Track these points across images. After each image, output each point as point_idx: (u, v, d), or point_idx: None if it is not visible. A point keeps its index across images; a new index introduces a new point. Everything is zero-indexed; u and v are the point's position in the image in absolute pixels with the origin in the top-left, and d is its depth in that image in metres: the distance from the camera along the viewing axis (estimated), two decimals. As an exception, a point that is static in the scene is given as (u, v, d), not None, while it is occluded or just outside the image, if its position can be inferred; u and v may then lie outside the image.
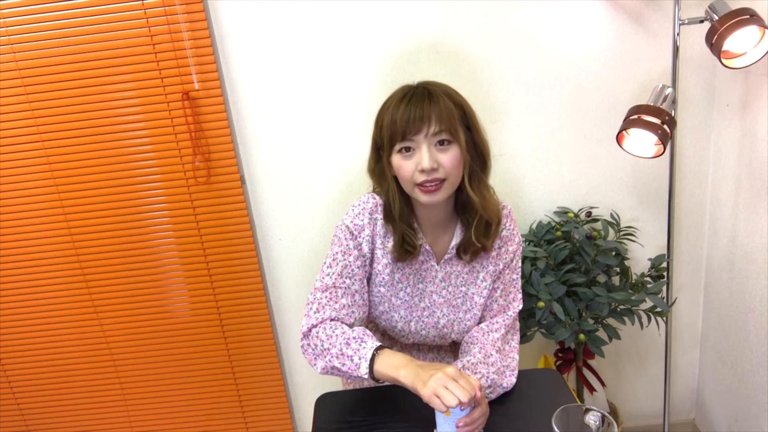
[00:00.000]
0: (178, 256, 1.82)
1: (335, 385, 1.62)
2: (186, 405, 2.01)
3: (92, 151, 1.70)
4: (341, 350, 1.08)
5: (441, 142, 1.08)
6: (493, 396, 1.15)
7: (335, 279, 1.17)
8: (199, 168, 1.71)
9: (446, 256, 1.22)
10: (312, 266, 1.85)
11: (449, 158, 1.08)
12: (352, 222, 1.18)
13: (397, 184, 1.15)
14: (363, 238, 1.18)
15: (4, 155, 1.70)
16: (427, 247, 1.21)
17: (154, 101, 1.65)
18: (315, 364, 1.13)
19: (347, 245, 1.18)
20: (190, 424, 2.04)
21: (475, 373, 1.13)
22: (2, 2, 1.56)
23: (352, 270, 1.18)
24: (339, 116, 1.69)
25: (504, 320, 1.23)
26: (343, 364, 1.07)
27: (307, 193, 1.77)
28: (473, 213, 1.16)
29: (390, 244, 1.19)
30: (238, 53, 1.63)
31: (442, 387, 0.93)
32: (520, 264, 1.26)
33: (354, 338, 1.08)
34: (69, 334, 1.91)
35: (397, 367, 1.01)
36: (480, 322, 1.26)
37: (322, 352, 1.11)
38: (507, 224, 1.22)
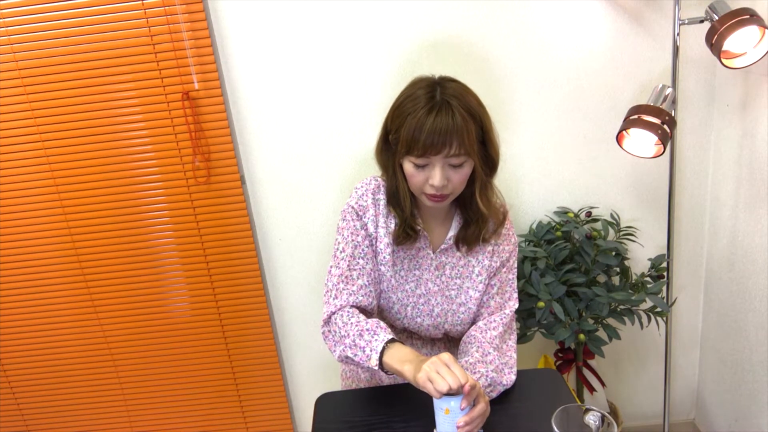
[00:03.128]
0: (178, 256, 1.82)
1: (335, 385, 1.62)
2: (186, 405, 2.01)
3: (92, 151, 1.70)
4: (354, 341, 1.11)
5: (455, 164, 1.10)
6: (493, 394, 1.16)
7: (349, 261, 1.20)
8: (199, 168, 1.71)
9: (442, 246, 1.24)
10: (312, 266, 1.85)
11: (459, 177, 1.12)
12: (356, 203, 1.22)
13: (406, 183, 1.18)
14: (368, 218, 1.22)
15: (4, 155, 1.70)
16: (425, 234, 1.24)
17: (154, 101, 1.65)
18: (334, 351, 1.17)
19: (354, 226, 1.21)
20: (190, 424, 2.04)
21: (474, 372, 1.14)
22: (2, 2, 1.56)
23: (363, 250, 1.21)
24: (339, 116, 1.69)
25: (501, 318, 1.25)
26: (356, 355, 1.11)
27: (307, 193, 1.77)
28: (476, 211, 1.20)
29: (392, 224, 1.23)
30: (238, 53, 1.63)
31: (435, 372, 0.95)
32: (516, 264, 1.29)
33: (367, 330, 1.11)
34: (69, 334, 1.91)
35: (402, 362, 1.03)
36: (476, 321, 1.27)
37: (339, 339, 1.14)
38: (507, 226, 1.27)
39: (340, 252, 1.21)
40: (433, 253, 1.25)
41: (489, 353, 1.18)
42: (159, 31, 1.59)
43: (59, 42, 1.59)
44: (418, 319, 1.26)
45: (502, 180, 1.76)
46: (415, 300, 1.25)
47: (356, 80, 1.66)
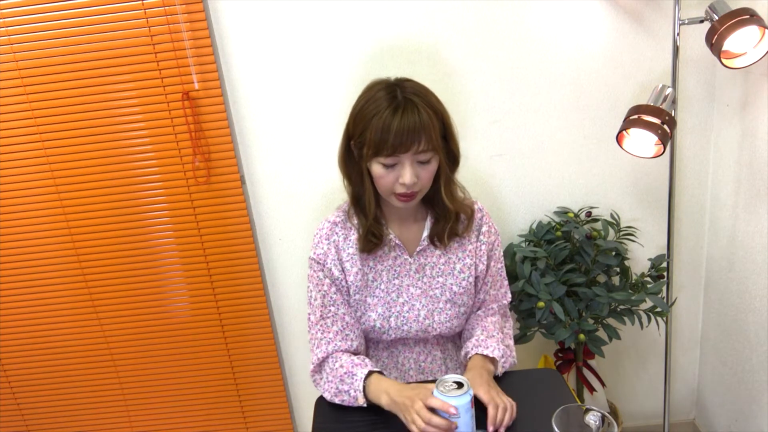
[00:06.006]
0: (178, 256, 1.81)
1: (335, 385, 1.62)
2: (186, 405, 2.01)
3: (92, 151, 1.70)
4: (338, 388, 1.18)
5: (423, 160, 1.13)
6: (506, 366, 1.21)
7: (321, 310, 1.25)
8: (199, 168, 1.71)
9: (419, 248, 1.26)
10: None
11: (428, 173, 1.15)
12: (314, 253, 1.26)
13: (372, 186, 1.19)
14: (330, 263, 1.24)
15: (4, 155, 1.70)
16: (397, 241, 1.25)
17: (154, 101, 1.65)
18: (326, 397, 1.23)
19: (318, 277, 1.25)
20: (190, 424, 2.04)
21: (487, 347, 1.19)
22: (2, 2, 1.56)
23: (331, 297, 1.25)
24: (339, 116, 1.69)
25: (498, 307, 1.32)
26: (343, 401, 1.18)
27: (307, 193, 1.77)
28: (444, 207, 1.23)
29: (352, 247, 1.25)
30: (238, 53, 1.63)
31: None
32: (501, 253, 1.34)
33: (346, 374, 1.17)
34: (69, 334, 1.91)
35: (379, 397, 1.11)
36: (473, 312, 1.34)
37: (328, 388, 1.21)
38: (484, 219, 1.30)
39: (314, 300, 1.27)
40: (411, 257, 1.26)
41: (494, 334, 1.25)
42: (159, 31, 1.58)
43: (59, 42, 1.59)
44: (405, 327, 1.27)
45: (502, 180, 1.76)
46: (399, 309, 1.26)
47: (356, 80, 1.65)
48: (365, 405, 1.13)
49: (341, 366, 1.19)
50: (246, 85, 1.66)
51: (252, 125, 1.70)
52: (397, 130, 1.08)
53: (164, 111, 1.66)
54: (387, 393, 1.09)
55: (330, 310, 1.25)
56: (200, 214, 1.76)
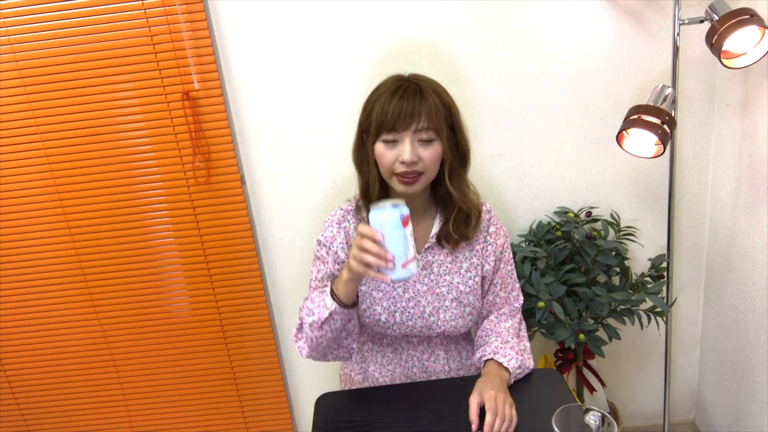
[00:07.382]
0: (178, 256, 1.81)
1: (335, 385, 1.62)
2: (186, 405, 2.01)
3: (92, 151, 1.70)
4: (310, 309, 1.16)
5: (424, 139, 1.14)
6: (521, 376, 1.22)
7: (317, 284, 1.26)
8: (199, 168, 1.71)
9: (426, 245, 1.27)
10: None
11: (430, 154, 1.14)
12: (322, 235, 1.28)
13: (377, 170, 1.20)
14: (337, 246, 1.25)
15: (4, 155, 1.70)
16: None
17: (154, 101, 1.65)
18: (309, 355, 1.22)
19: (322, 255, 1.27)
20: (190, 424, 2.04)
21: (506, 355, 1.20)
22: (2, 2, 1.56)
23: (333, 274, 1.25)
24: (339, 116, 1.69)
25: (510, 311, 1.32)
26: (314, 316, 1.14)
27: (307, 193, 1.77)
28: (453, 206, 1.23)
29: None
30: (238, 53, 1.63)
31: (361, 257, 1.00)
32: (511, 254, 1.34)
33: (314, 295, 1.17)
34: (69, 334, 1.91)
35: (341, 276, 1.09)
36: (486, 316, 1.33)
37: (303, 325, 1.19)
38: (492, 220, 1.30)
39: (313, 280, 1.29)
40: (419, 254, 1.27)
41: (509, 340, 1.25)
42: (159, 31, 1.58)
43: (59, 42, 1.59)
44: (410, 323, 1.28)
45: (502, 180, 1.76)
46: (405, 304, 1.27)
47: (356, 80, 1.65)
48: (335, 306, 1.11)
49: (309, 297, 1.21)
50: (246, 85, 1.66)
51: (252, 125, 1.70)
52: (398, 105, 1.11)
53: (164, 111, 1.66)
54: (345, 267, 1.08)
55: (326, 284, 1.24)
56: (200, 214, 1.76)
